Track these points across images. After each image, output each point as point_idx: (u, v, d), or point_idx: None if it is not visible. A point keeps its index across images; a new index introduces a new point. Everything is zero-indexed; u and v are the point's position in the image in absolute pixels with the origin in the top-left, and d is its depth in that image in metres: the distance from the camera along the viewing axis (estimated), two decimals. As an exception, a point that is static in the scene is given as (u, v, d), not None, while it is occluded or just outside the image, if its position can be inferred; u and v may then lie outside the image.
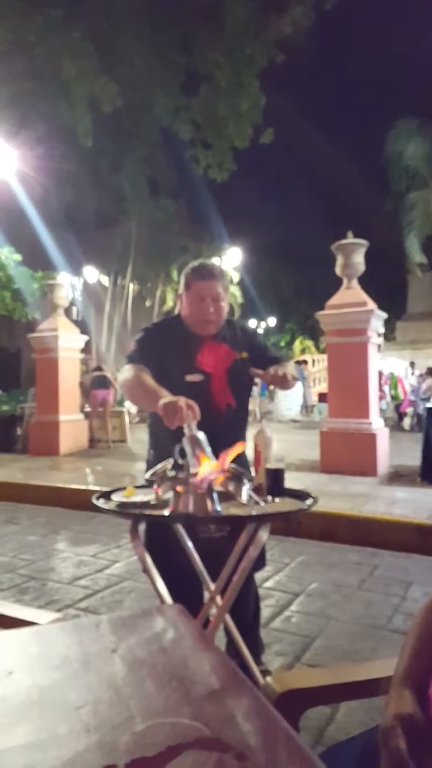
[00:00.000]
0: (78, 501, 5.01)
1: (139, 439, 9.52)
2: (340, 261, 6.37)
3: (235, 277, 21.14)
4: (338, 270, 6.43)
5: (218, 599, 1.84)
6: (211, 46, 11.19)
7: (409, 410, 12.69)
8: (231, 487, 1.61)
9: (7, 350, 19.66)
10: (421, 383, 12.70)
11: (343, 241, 6.29)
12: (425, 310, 19.80)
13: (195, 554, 1.91)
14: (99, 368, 10.16)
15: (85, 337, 8.85)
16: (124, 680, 0.72)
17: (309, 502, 1.67)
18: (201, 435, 1.55)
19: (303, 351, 30.31)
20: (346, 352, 6.22)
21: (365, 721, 1.78)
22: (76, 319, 14.75)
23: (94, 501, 1.70)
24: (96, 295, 19.83)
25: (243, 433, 2.12)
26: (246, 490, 1.61)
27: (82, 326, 10.96)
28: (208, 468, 1.50)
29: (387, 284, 17.69)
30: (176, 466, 1.63)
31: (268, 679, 1.07)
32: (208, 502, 1.48)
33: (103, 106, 10.48)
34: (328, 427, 6.30)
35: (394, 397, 13.74)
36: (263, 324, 29.77)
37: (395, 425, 12.20)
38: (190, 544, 1.90)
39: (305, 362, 19.22)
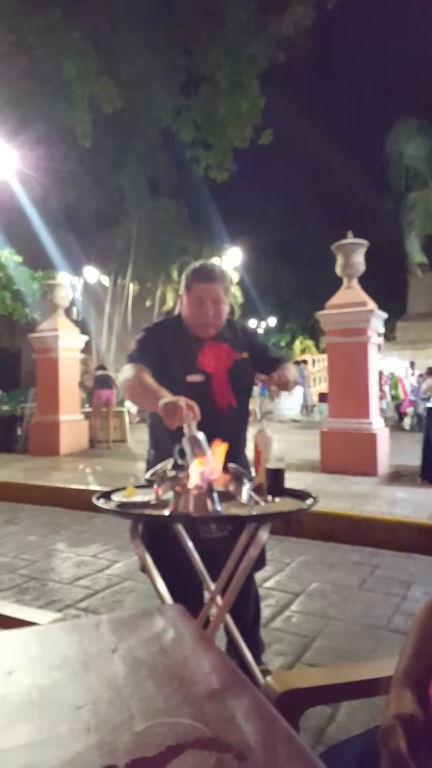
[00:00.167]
0: (78, 501, 5.01)
1: (139, 439, 9.52)
2: (340, 261, 6.37)
3: (236, 277, 21.14)
4: (338, 270, 6.43)
5: (218, 599, 1.84)
6: (211, 46, 11.18)
7: (410, 410, 12.69)
8: (231, 487, 1.61)
9: (7, 350, 19.65)
10: (422, 383, 12.69)
11: (344, 241, 6.29)
12: (426, 310, 19.81)
13: (195, 554, 1.91)
14: (102, 367, 10.15)
15: (85, 337, 8.85)
16: (125, 680, 0.72)
17: (309, 502, 1.67)
18: (201, 435, 1.55)
19: (303, 351, 30.31)
20: (347, 352, 6.22)
21: (365, 720, 1.78)
22: (76, 319, 14.75)
23: (95, 501, 1.70)
24: (96, 295, 19.82)
25: (243, 434, 2.12)
26: (246, 490, 1.61)
27: (82, 326, 10.96)
28: (199, 469, 1.51)
29: (387, 284, 17.68)
30: (176, 466, 1.63)
31: (269, 679, 1.07)
32: (208, 502, 1.48)
33: (103, 106, 10.48)
34: (328, 427, 6.30)
35: (394, 397, 13.74)
36: (263, 324, 29.77)
37: (395, 425, 12.20)
38: (190, 544, 1.90)
39: (305, 362, 19.23)
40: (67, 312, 9.13)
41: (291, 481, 1.83)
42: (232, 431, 2.00)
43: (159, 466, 1.68)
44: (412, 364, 14.92)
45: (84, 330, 9.78)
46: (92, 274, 18.88)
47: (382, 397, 11.19)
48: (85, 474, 6.37)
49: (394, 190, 21.86)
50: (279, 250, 31.35)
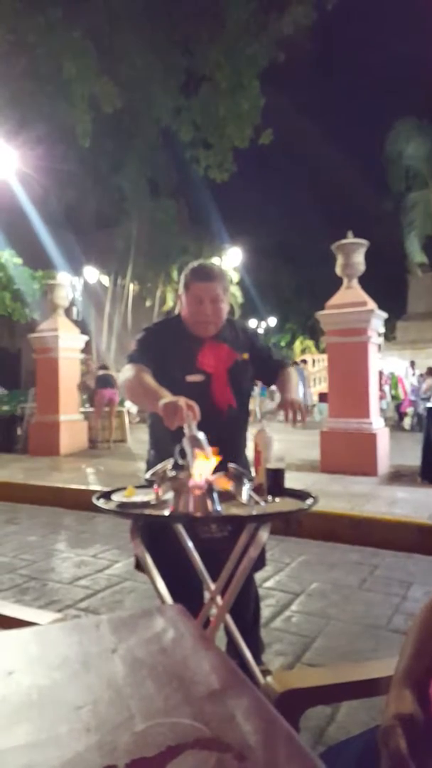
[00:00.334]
0: (78, 501, 5.01)
1: (139, 439, 9.53)
2: (340, 261, 6.37)
3: (236, 277, 21.15)
4: (338, 270, 6.43)
5: (218, 599, 1.84)
6: (211, 46, 11.18)
7: (410, 410, 12.69)
8: (231, 487, 1.61)
9: (7, 350, 19.66)
10: (422, 383, 12.69)
11: (344, 241, 6.29)
12: (426, 310, 19.82)
13: (195, 554, 1.91)
14: (104, 367, 10.14)
15: (85, 337, 8.85)
16: (125, 680, 0.72)
17: (309, 502, 1.67)
18: (201, 435, 1.55)
19: (303, 351, 30.33)
20: (347, 352, 6.22)
21: (366, 720, 1.78)
22: (76, 319, 14.75)
23: (95, 501, 1.70)
24: (96, 295, 19.83)
25: (244, 434, 2.12)
26: (246, 490, 1.61)
27: (82, 326, 10.97)
28: (202, 467, 1.51)
29: (387, 284, 17.68)
30: (176, 466, 1.63)
31: (269, 678, 1.07)
32: (208, 502, 1.48)
33: (103, 106, 10.48)
34: (328, 427, 6.30)
35: (394, 397, 13.73)
36: (263, 324, 29.78)
37: (396, 425, 12.20)
38: (190, 544, 1.90)
39: (305, 362, 19.23)
40: (67, 312, 9.13)
41: (291, 481, 1.83)
42: (232, 431, 2.00)
43: (159, 466, 1.68)
44: (413, 364, 14.93)
45: (84, 330, 9.78)
46: (92, 274, 18.89)
47: (382, 397, 11.19)
48: (85, 474, 6.37)
49: (394, 190, 21.88)
50: (279, 250, 31.36)
